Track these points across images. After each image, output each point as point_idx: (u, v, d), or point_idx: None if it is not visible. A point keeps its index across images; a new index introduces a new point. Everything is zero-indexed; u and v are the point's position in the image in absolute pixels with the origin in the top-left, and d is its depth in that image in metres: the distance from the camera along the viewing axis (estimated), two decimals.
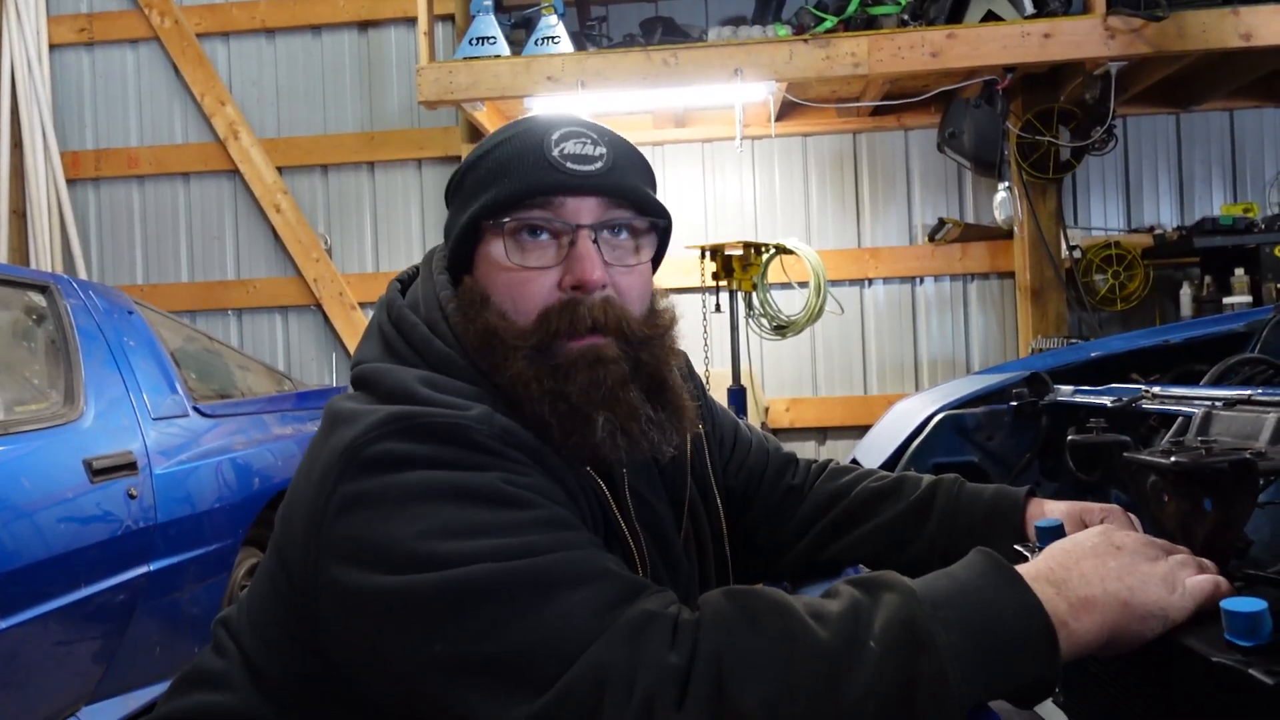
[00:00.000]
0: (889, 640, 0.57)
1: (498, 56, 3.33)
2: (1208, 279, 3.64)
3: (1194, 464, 0.60)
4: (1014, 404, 1.15)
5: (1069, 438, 0.81)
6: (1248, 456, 0.60)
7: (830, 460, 1.04)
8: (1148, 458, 0.64)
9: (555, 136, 0.78)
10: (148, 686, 2.03)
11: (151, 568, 1.98)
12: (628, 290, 0.80)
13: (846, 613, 0.59)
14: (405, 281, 0.88)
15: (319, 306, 4.19)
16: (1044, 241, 3.66)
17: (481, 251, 0.80)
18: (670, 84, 3.26)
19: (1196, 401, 0.82)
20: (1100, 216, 4.07)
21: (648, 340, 0.80)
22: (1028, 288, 3.74)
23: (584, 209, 0.78)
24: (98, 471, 1.86)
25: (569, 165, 0.77)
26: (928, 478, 0.94)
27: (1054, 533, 0.76)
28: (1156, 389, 0.91)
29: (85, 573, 1.79)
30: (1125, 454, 0.67)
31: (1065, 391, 1.12)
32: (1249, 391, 0.75)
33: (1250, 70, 3.59)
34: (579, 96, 3.27)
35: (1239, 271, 3.46)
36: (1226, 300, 3.46)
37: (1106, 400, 0.94)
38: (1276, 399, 0.70)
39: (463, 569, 0.63)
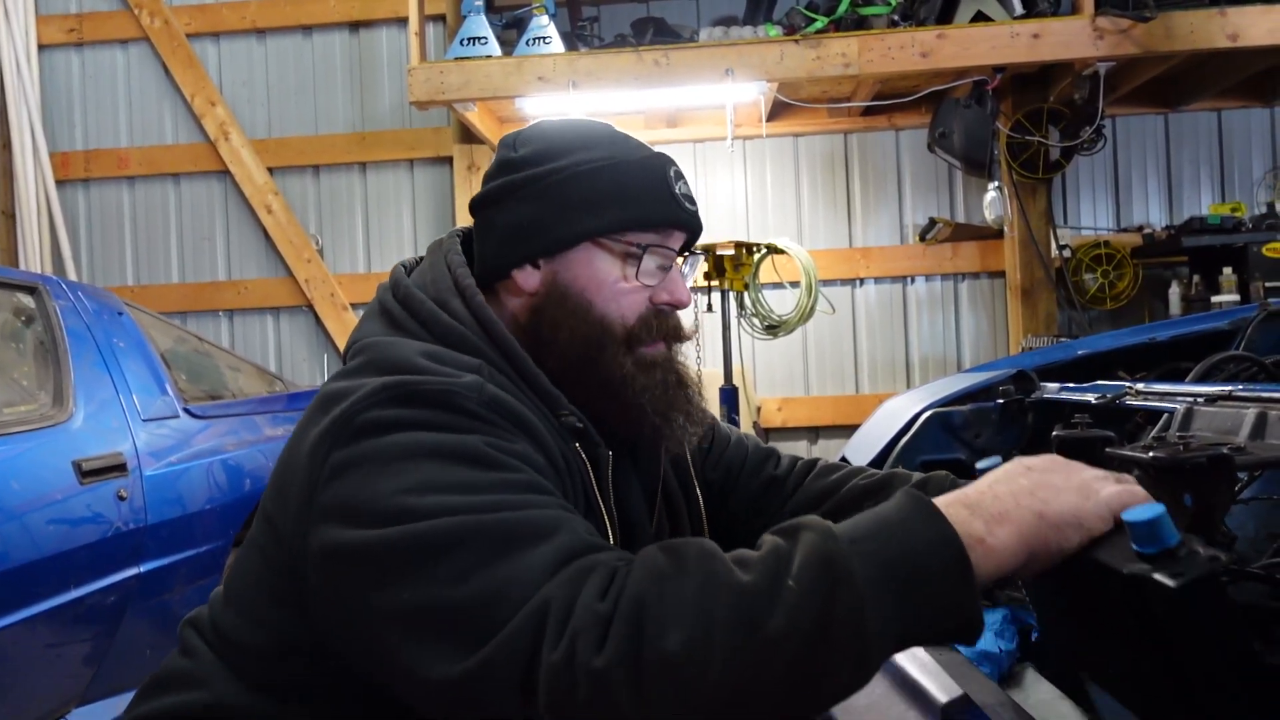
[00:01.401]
0: (807, 578, 0.58)
1: (489, 57, 3.33)
2: (1196, 278, 3.66)
3: (1172, 459, 0.61)
4: (1001, 401, 1.16)
5: (1054, 433, 0.82)
6: (1225, 451, 0.61)
7: (819, 459, 1.05)
8: (1129, 453, 0.65)
9: (672, 173, 0.89)
10: (138, 689, 2.02)
11: (142, 569, 1.97)
12: None
13: (767, 556, 0.61)
14: (409, 268, 0.91)
15: (310, 307, 4.18)
16: (1034, 241, 3.68)
17: (582, 257, 0.86)
18: (662, 84, 3.27)
19: (1179, 398, 0.83)
20: (1090, 216, 4.10)
21: (681, 347, 0.92)
22: (1018, 287, 3.76)
23: (679, 240, 0.90)
24: (87, 473, 1.85)
25: (686, 205, 0.89)
26: (918, 475, 0.95)
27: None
28: (1140, 386, 0.92)
29: (75, 574, 1.78)
30: (1108, 449, 0.68)
31: (1051, 389, 1.13)
32: (1229, 388, 0.76)
33: (1238, 71, 3.61)
34: (570, 97, 3.28)
35: (1227, 270, 3.48)
36: (1215, 299, 3.49)
37: (1091, 397, 0.95)
38: (1256, 395, 0.71)
39: (435, 520, 0.66)
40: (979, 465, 0.79)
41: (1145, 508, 0.53)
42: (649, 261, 0.87)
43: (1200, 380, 1.11)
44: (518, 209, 0.86)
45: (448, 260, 0.88)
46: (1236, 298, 3.43)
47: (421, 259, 0.93)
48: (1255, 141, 4.08)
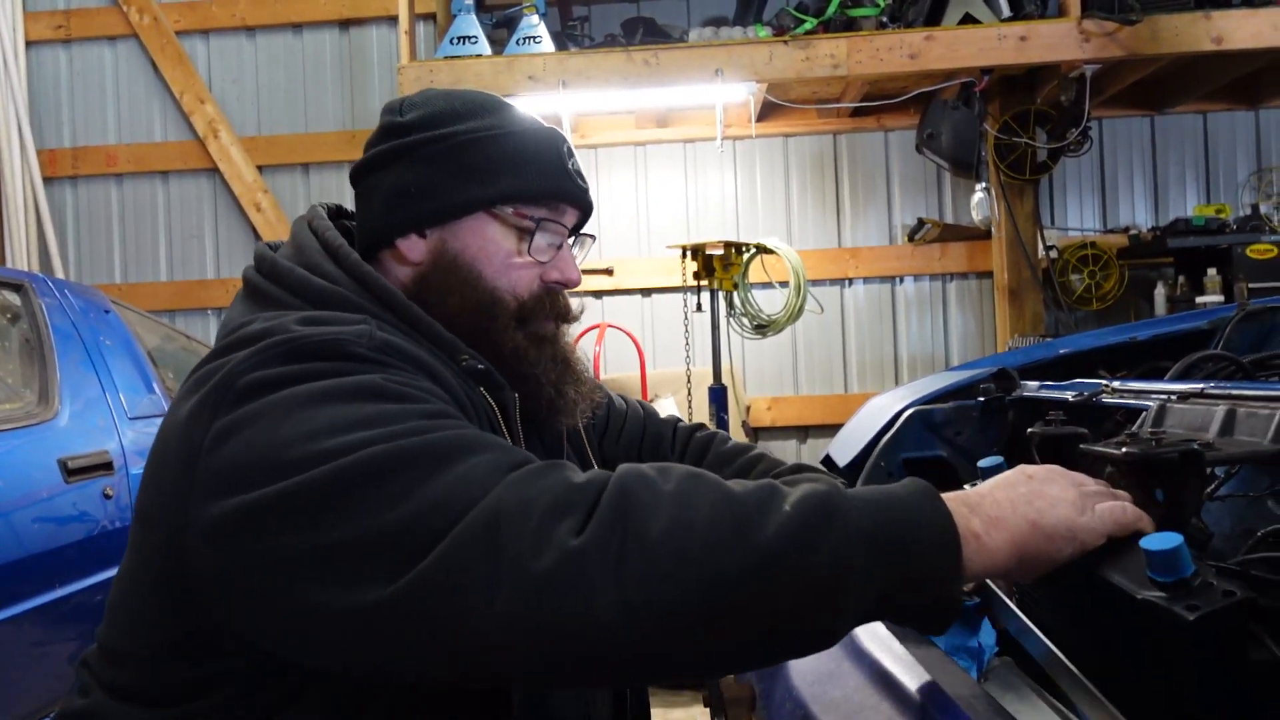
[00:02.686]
0: (802, 507, 0.58)
1: (479, 56, 3.33)
2: (1181, 279, 3.69)
3: (1144, 454, 0.62)
4: (981, 399, 1.18)
5: (1029, 430, 0.83)
6: (1195, 447, 0.62)
7: (717, 432, 1.07)
8: (1102, 449, 0.66)
9: (566, 148, 0.88)
10: None
11: None
12: None
13: (764, 483, 0.61)
14: (274, 247, 0.87)
15: None
16: (1021, 242, 3.70)
17: (472, 227, 0.84)
18: (651, 84, 3.27)
19: (1153, 395, 0.84)
20: (1076, 217, 4.13)
21: (568, 327, 0.92)
22: (1005, 287, 3.78)
23: (571, 218, 0.89)
24: (73, 471, 1.85)
25: (578, 181, 0.88)
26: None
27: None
28: (1116, 384, 0.93)
29: (61, 572, 1.78)
30: (1082, 445, 0.69)
31: (1031, 387, 1.14)
32: (1201, 386, 0.77)
33: (1222, 74, 3.64)
34: (560, 96, 3.28)
35: (1211, 271, 3.51)
36: (1200, 300, 3.51)
37: (1069, 395, 0.96)
38: (1226, 392, 0.72)
39: (351, 456, 0.60)
40: (980, 464, 0.81)
41: (1164, 536, 0.53)
42: (541, 238, 0.85)
43: (1178, 379, 1.12)
44: (405, 174, 0.83)
45: (312, 226, 0.83)
46: (1221, 298, 3.46)
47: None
48: (1240, 144, 4.11)
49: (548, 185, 0.85)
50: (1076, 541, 0.61)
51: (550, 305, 0.86)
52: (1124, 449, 0.63)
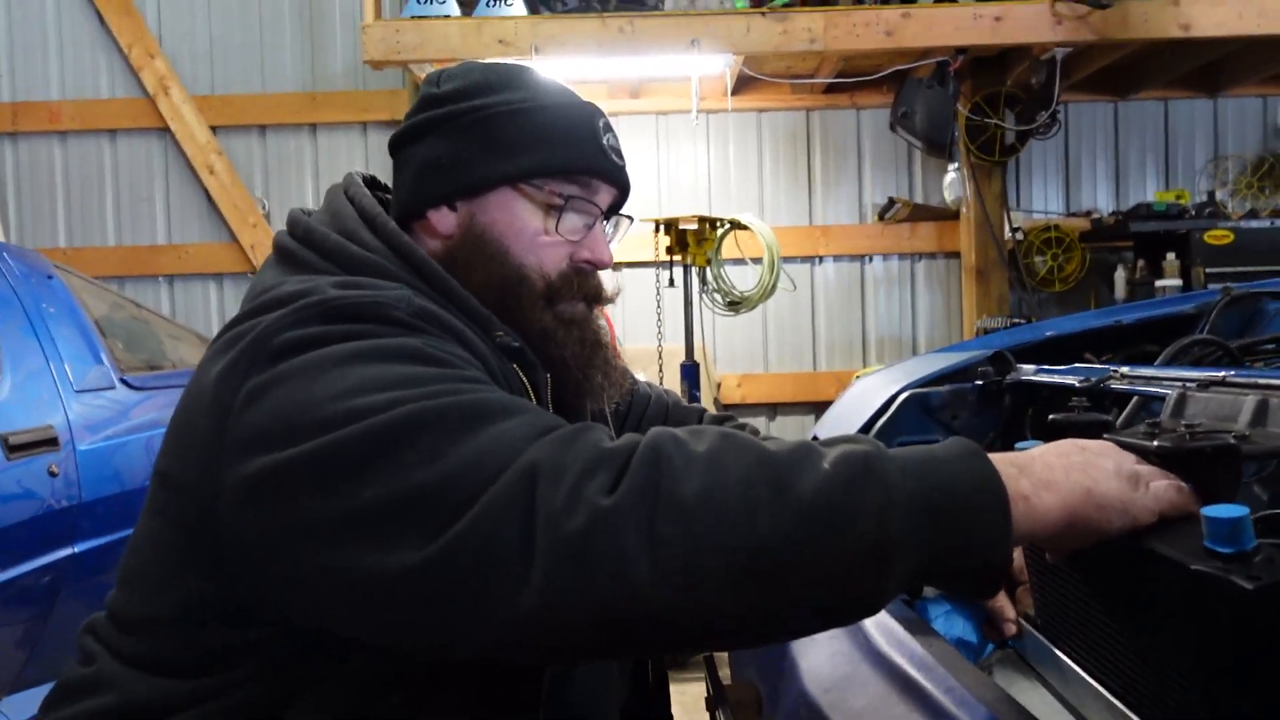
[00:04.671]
0: (842, 465, 0.56)
1: (447, 16, 3.21)
2: (1141, 263, 3.76)
3: (1177, 448, 0.60)
4: (979, 383, 1.16)
5: (1051, 417, 0.80)
6: (1231, 440, 0.60)
7: (738, 420, 1.06)
8: (1132, 440, 0.63)
9: (602, 124, 0.85)
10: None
11: (77, 549, 1.87)
12: None
13: (801, 444, 0.59)
14: (307, 213, 0.85)
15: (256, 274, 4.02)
16: (989, 223, 3.73)
17: (500, 202, 0.82)
18: (626, 52, 3.20)
19: (1166, 382, 0.82)
20: (1041, 200, 4.17)
21: (600, 309, 0.89)
22: (973, 268, 3.81)
23: (606, 197, 0.86)
24: (14, 448, 1.74)
25: (614, 158, 0.85)
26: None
27: None
28: (1125, 369, 0.92)
29: (4, 554, 1.68)
30: (1105, 435, 0.67)
31: (1028, 370, 1.12)
32: (1223, 373, 0.75)
33: (1186, 61, 3.70)
34: (532, 62, 3.17)
35: (1170, 256, 3.59)
36: (1158, 283, 3.59)
37: (1073, 380, 0.94)
38: (1252, 381, 0.71)
39: (387, 414, 0.59)
40: (1017, 446, 0.78)
41: (1229, 506, 0.51)
42: (572, 217, 0.83)
43: (1168, 364, 1.12)
44: (437, 145, 0.82)
45: (349, 193, 0.82)
46: (1179, 282, 3.54)
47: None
48: (1199, 131, 4.19)
49: (578, 161, 0.82)
50: (1128, 515, 0.58)
51: (580, 285, 0.84)
52: (1156, 441, 0.61)
